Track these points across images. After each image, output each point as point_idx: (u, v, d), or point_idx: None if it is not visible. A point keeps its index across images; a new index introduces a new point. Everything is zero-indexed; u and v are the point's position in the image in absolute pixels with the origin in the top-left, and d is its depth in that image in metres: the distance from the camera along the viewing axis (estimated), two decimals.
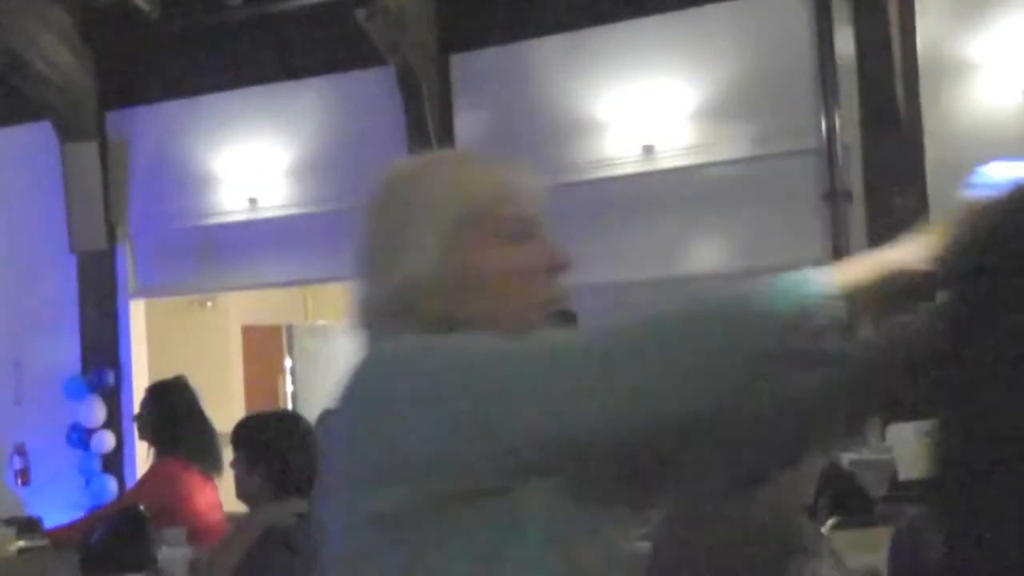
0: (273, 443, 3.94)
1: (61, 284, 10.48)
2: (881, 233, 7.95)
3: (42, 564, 5.29)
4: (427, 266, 1.73)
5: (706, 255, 8.66)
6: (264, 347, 11.40)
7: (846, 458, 5.75)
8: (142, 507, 5.23)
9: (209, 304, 11.69)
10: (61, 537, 5.54)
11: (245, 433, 4.01)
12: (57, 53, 10.04)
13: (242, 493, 4.04)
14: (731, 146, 8.63)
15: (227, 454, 5.34)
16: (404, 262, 1.74)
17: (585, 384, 1.56)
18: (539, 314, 1.78)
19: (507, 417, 1.56)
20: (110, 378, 10.23)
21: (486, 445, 1.56)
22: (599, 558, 1.68)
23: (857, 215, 8.36)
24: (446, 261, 1.73)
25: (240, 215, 10.06)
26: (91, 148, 10.28)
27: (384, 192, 1.84)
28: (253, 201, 9.99)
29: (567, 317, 8.20)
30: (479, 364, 1.61)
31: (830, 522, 4.61)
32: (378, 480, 1.61)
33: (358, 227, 1.84)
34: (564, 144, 8.99)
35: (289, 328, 11.22)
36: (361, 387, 1.68)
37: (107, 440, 10.14)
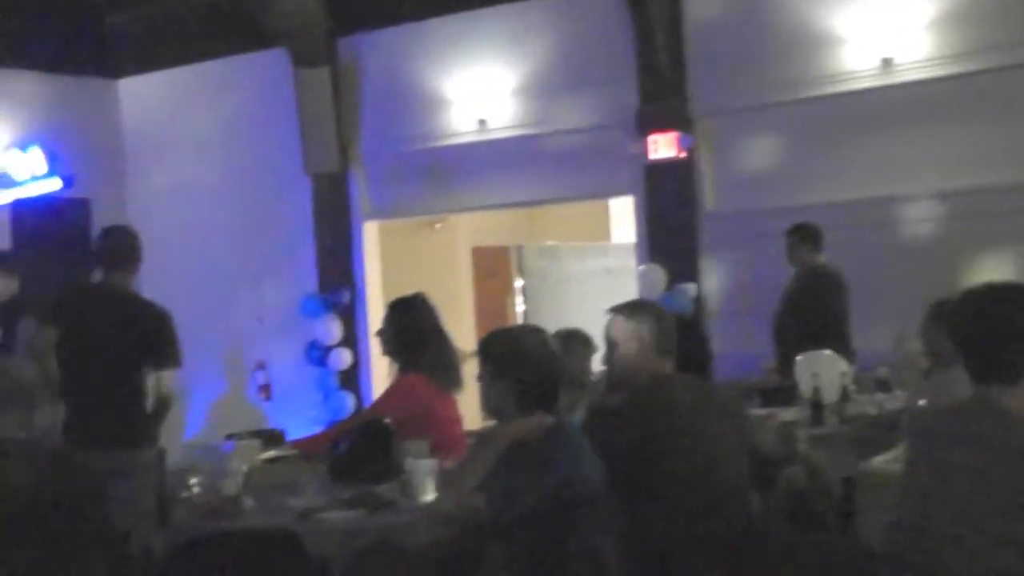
0: (520, 357, 3.94)
1: (297, 206, 10.78)
2: None
3: (290, 472, 5.45)
4: None
5: (948, 170, 8.33)
6: (493, 267, 11.52)
7: None
8: (386, 420, 5.35)
9: (438, 226, 11.85)
10: (308, 447, 5.71)
11: (492, 346, 4.02)
12: None
13: (488, 406, 4.06)
14: (973, 56, 8.25)
15: (468, 370, 5.42)
16: None
17: None
18: None
19: None
20: (346, 297, 10.49)
21: None
22: None
23: None
24: None
25: (469, 136, 10.14)
26: (323, 74, 10.50)
27: None
28: (482, 122, 10.06)
29: (810, 233, 8.01)
30: None
31: None
32: None
33: None
34: (799, 58, 8.75)
35: (518, 248, 11.28)
36: None
37: (344, 357, 10.42)
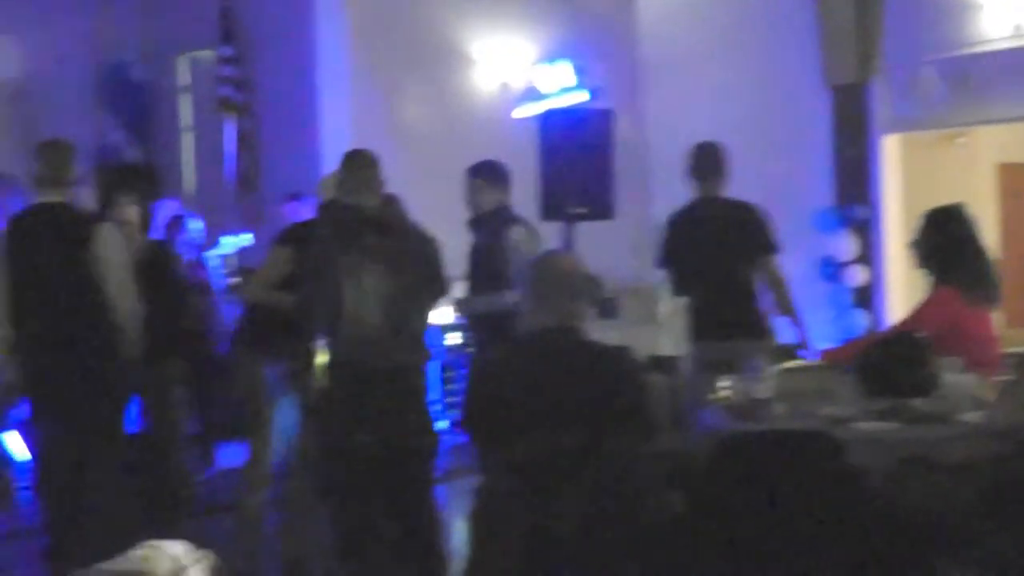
0: None
1: (815, 117, 10.55)
2: None
3: (817, 381, 5.41)
4: None
5: None
6: (1021, 185, 10.84)
7: None
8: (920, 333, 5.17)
9: (960, 140, 11.27)
10: (839, 357, 5.64)
11: None
12: None
13: None
14: None
15: None
16: None
17: None
18: None
19: None
20: (862, 212, 10.22)
21: None
22: None
23: None
24: None
25: (1003, 43, 9.51)
26: None
27: None
28: (1018, 27, 9.41)
29: None
30: None
31: None
32: None
33: None
34: None
35: None
36: None
37: (859, 274, 10.17)
